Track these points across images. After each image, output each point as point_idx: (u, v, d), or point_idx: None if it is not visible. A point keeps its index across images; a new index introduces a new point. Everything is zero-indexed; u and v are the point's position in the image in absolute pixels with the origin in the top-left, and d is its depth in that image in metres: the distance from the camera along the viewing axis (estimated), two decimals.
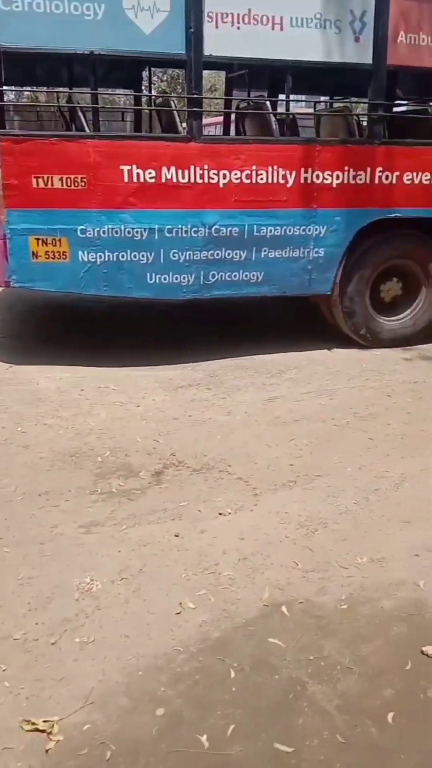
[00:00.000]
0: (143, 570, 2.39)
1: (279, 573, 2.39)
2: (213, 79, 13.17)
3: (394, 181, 4.79)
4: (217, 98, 9.55)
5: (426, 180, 4.85)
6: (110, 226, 4.30)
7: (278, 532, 2.63)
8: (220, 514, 2.76)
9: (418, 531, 2.68)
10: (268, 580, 2.36)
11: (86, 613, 2.18)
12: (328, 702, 1.87)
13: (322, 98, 6.78)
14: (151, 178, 4.31)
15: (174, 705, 1.86)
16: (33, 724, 1.77)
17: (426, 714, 1.83)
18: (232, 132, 6.12)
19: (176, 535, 2.59)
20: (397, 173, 4.78)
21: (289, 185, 4.57)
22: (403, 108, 6.25)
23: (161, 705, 1.86)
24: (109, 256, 4.34)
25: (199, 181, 4.40)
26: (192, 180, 4.38)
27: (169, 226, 4.40)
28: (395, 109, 5.98)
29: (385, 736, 1.77)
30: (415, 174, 4.82)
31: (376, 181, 4.75)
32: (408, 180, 4.82)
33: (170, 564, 2.43)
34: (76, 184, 4.21)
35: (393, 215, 4.86)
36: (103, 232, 4.30)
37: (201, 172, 4.39)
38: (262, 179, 4.50)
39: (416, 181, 4.84)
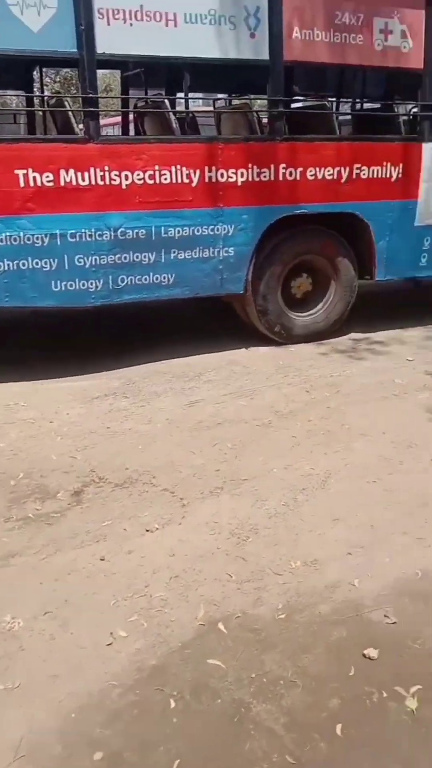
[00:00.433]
0: (68, 601, 2.23)
1: (213, 588, 2.30)
2: (108, 79, 12.93)
3: (297, 177, 4.80)
4: (113, 97, 9.36)
5: (329, 175, 4.89)
6: (8, 234, 4.06)
7: (209, 544, 2.54)
8: (147, 530, 2.64)
9: (348, 528, 2.66)
10: (202, 596, 2.26)
11: (9, 656, 2.00)
12: (274, 721, 1.79)
13: (221, 96, 6.75)
14: (48, 181, 4.10)
15: (113, 746, 1.73)
16: None
17: (374, 721, 1.78)
18: (132, 132, 5.97)
19: (102, 559, 2.45)
20: (301, 169, 4.80)
21: (194, 185, 4.49)
22: (301, 104, 6.30)
23: (99, 748, 1.72)
24: (8, 265, 4.10)
25: (100, 182, 4.23)
26: (92, 182, 4.21)
27: (72, 231, 4.21)
28: (294, 105, 6.02)
29: (335, 750, 1.71)
30: (317, 169, 4.85)
31: (281, 178, 4.74)
32: (311, 176, 4.84)
33: (97, 591, 2.28)
34: None
35: (299, 211, 4.87)
36: (1, 241, 4.06)
37: (102, 173, 4.22)
38: (165, 179, 4.38)
39: (319, 177, 4.87)
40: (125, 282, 4.45)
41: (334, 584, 2.31)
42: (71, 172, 4.15)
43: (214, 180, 4.54)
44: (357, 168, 4.98)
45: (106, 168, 4.23)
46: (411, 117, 5.70)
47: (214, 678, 1.93)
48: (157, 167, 4.35)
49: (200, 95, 7.44)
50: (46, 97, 6.68)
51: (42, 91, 6.78)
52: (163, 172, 4.37)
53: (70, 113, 4.60)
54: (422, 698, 1.83)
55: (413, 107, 5.53)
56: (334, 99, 6.65)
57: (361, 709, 1.82)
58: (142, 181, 4.33)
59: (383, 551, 2.48)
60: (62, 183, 4.13)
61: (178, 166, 4.41)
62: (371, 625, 2.11)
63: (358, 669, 1.94)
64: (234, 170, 4.58)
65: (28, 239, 4.11)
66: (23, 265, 4.14)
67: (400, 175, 5.15)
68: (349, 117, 6.72)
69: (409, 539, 2.56)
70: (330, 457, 3.27)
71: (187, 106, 5.26)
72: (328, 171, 4.87)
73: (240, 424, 3.68)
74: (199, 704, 1.85)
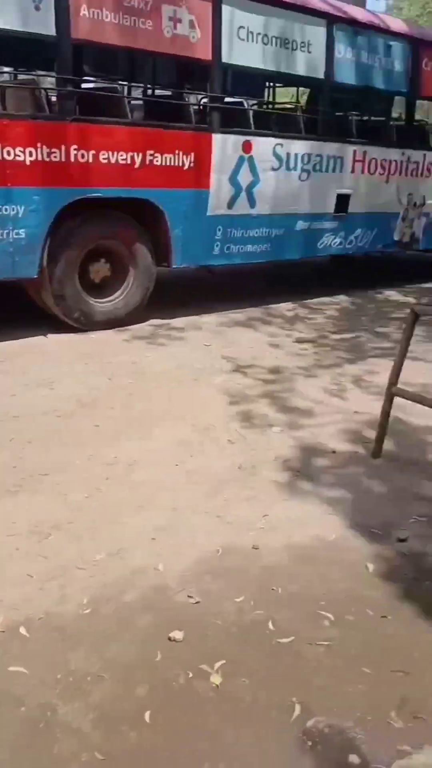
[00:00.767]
0: None
1: (12, 591, 2.17)
2: None
3: (90, 160, 4.69)
4: None
5: (122, 160, 4.85)
6: None
7: (7, 546, 2.40)
8: None
9: (152, 513, 2.68)
10: (1, 601, 2.13)
11: None
12: (82, 719, 1.75)
13: (6, 69, 6.35)
14: None
15: None
16: None
17: (181, 702, 1.81)
18: None
19: None
20: (93, 152, 4.69)
21: None
22: (93, 85, 6.16)
23: None
24: None
25: None
26: None
27: None
28: (87, 86, 5.87)
29: (144, 738, 1.71)
30: (110, 153, 4.78)
31: (72, 160, 4.60)
32: (104, 159, 4.76)
33: None
34: None
35: (92, 195, 4.77)
36: None
37: None
38: None
39: (112, 161, 4.81)
40: None
41: (139, 571, 2.31)
42: None
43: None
44: (150, 154, 5.00)
45: None
46: (201, 107, 5.84)
47: (17, 685, 1.84)
48: None
49: None
50: None
51: None
52: None
53: None
54: (226, 672, 1.90)
55: (203, 97, 5.67)
56: (126, 83, 6.59)
57: (168, 692, 1.84)
58: None
59: (186, 532, 2.54)
60: None
61: None
62: (176, 607, 2.15)
63: (165, 653, 1.97)
64: (21, 149, 4.34)
65: None
66: None
67: (192, 164, 5.27)
68: (142, 103, 6.72)
69: (210, 518, 2.65)
70: (133, 444, 3.27)
71: None
72: (121, 155, 4.83)
73: (39, 415, 3.53)
74: (1, 715, 1.74)
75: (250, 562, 2.39)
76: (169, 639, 2.01)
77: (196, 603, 2.16)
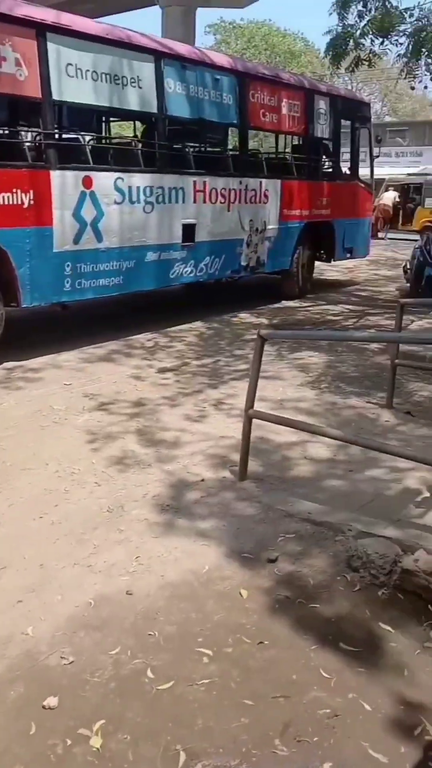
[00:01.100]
0: None
1: None
2: None
3: None
4: None
5: None
6: None
7: None
8: None
9: (17, 573, 2.53)
10: None
11: None
12: None
13: None
14: None
15: None
16: None
17: None
18: None
19: None
20: None
21: None
22: None
23: None
24: None
25: None
26: None
27: None
28: None
29: None
30: None
31: None
32: None
33: None
34: None
35: None
36: None
37: None
38: None
39: None
40: None
41: (6, 639, 2.16)
42: None
43: None
44: None
45: None
46: (37, 144, 5.75)
47: None
48: None
49: None
50: None
51: None
52: None
53: None
54: (106, 732, 1.82)
55: (37, 135, 5.59)
56: None
57: (45, 767, 1.73)
58: None
59: (54, 589, 2.42)
60: None
61: None
62: (49, 672, 2.03)
63: (39, 723, 1.85)
64: None
65: None
66: None
67: (32, 202, 5.15)
68: None
69: (80, 569, 2.55)
70: None
71: None
72: None
73: None
74: None
75: (125, 610, 2.32)
76: (44, 707, 1.90)
77: (70, 663, 2.06)
